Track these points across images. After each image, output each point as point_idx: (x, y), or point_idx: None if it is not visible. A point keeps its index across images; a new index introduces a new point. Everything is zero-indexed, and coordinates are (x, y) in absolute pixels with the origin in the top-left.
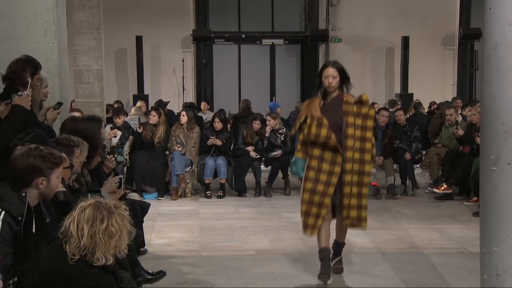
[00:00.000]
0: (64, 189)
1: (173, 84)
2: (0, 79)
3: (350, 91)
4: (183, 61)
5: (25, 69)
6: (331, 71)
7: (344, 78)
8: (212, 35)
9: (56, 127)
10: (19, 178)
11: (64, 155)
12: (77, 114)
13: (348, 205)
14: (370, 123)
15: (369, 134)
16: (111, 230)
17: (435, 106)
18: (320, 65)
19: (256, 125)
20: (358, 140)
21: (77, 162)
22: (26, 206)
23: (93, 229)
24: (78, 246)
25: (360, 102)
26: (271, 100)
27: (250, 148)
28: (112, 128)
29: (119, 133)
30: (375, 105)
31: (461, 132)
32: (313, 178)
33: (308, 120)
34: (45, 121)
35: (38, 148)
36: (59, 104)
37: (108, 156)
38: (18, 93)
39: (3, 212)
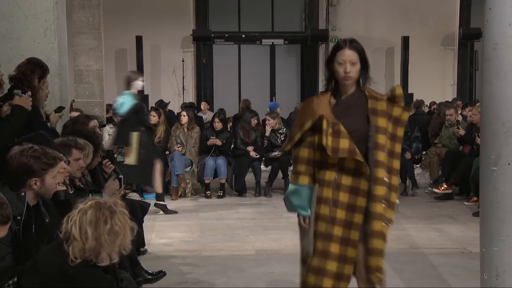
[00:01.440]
0: (64, 188)
1: (173, 84)
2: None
3: (369, 85)
4: (183, 61)
5: (34, 71)
6: (349, 54)
7: (364, 65)
8: (212, 35)
9: (58, 129)
10: (13, 178)
11: (61, 155)
12: (77, 114)
13: (377, 250)
14: (400, 132)
15: (398, 148)
16: (115, 229)
17: (435, 106)
18: (321, 65)
19: (254, 120)
20: (387, 154)
21: (74, 163)
22: (25, 205)
23: (98, 231)
24: (82, 249)
25: (392, 98)
26: (271, 100)
27: (250, 148)
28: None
29: None
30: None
31: (462, 132)
32: (327, 216)
33: (324, 126)
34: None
35: (32, 148)
36: (61, 108)
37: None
38: (19, 93)
39: None
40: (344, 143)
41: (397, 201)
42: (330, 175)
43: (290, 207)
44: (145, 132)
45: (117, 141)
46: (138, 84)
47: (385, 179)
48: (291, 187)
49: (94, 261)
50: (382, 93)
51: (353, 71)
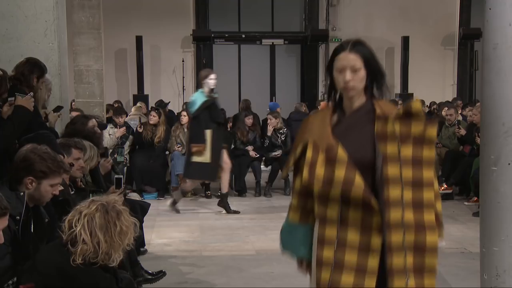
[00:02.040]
0: (62, 188)
1: (173, 84)
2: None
3: (387, 96)
4: (183, 61)
5: (33, 71)
6: (350, 58)
7: (374, 72)
8: (212, 35)
9: (57, 129)
10: (13, 172)
11: (68, 169)
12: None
13: None
14: (428, 153)
15: (427, 173)
16: (124, 230)
17: (435, 106)
18: (321, 65)
19: (249, 120)
20: (409, 186)
21: (74, 163)
22: (24, 205)
23: (109, 234)
24: (92, 252)
25: (408, 114)
26: (271, 100)
27: (250, 148)
28: (120, 127)
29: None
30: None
31: (463, 131)
32: (330, 260)
33: (309, 152)
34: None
35: (45, 150)
36: (59, 107)
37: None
38: (20, 94)
39: None
40: (340, 172)
41: (442, 243)
42: (332, 209)
43: (282, 246)
44: (216, 128)
45: (192, 139)
46: (209, 82)
47: (408, 220)
48: (283, 223)
49: (106, 263)
50: (396, 107)
51: (356, 79)
